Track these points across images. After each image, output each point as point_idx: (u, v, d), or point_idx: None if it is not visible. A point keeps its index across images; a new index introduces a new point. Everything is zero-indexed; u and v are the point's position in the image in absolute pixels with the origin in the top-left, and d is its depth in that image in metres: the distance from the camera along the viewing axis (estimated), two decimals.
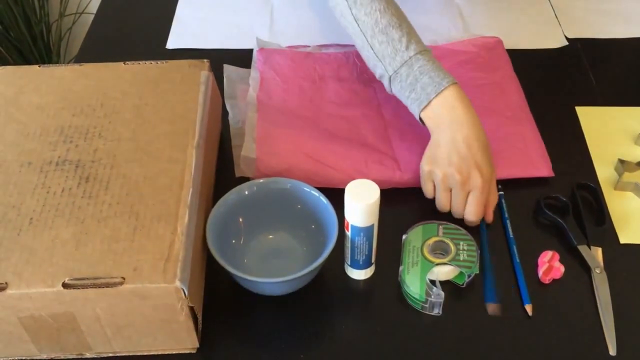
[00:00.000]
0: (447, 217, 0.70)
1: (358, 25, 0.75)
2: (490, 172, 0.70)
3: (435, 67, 0.72)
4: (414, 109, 0.73)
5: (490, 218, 0.71)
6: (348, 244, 0.64)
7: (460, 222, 0.70)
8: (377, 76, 0.77)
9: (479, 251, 0.66)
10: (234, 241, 0.67)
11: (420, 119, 0.73)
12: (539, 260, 0.67)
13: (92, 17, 1.03)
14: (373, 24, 0.74)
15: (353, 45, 0.92)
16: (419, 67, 0.72)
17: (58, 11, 1.69)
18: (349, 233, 0.63)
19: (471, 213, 0.69)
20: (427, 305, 0.64)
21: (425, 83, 0.71)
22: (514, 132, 0.79)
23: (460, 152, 0.68)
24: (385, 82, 0.75)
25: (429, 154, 0.71)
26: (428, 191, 0.72)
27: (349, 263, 0.66)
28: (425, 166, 0.71)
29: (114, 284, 0.54)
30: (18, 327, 0.57)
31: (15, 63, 1.65)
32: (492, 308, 0.64)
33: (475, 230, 0.70)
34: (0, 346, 0.59)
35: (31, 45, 1.64)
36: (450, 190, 0.70)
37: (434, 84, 0.71)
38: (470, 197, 0.69)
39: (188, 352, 0.61)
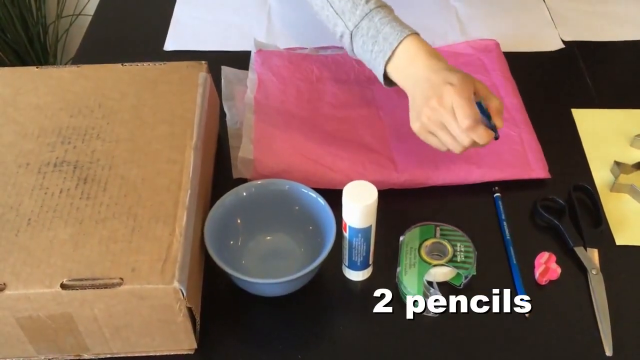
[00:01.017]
0: (445, 218, 0.71)
1: None
2: (461, 77, 0.65)
3: (396, 18, 0.71)
4: (379, 63, 0.70)
5: (499, 123, 0.67)
6: (346, 245, 0.64)
7: (458, 223, 0.70)
8: (337, 38, 0.75)
9: (476, 252, 0.67)
10: (232, 242, 0.68)
11: (389, 81, 0.71)
12: (536, 261, 0.68)
13: (89, 18, 1.03)
14: None
15: None
16: (380, 19, 0.70)
17: (55, 13, 1.68)
18: (346, 234, 0.63)
19: (460, 116, 0.64)
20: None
21: (387, 33, 0.69)
22: (511, 134, 0.80)
23: (429, 82, 0.66)
24: (347, 41, 0.73)
25: (412, 115, 0.69)
26: (438, 145, 0.68)
27: (346, 264, 0.66)
28: (415, 127, 0.69)
29: (112, 285, 0.54)
30: (16, 327, 0.57)
31: (12, 65, 1.65)
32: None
33: (475, 233, 0.70)
34: None
35: (28, 46, 1.64)
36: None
37: (395, 32, 0.69)
38: (454, 107, 0.65)
39: (186, 352, 0.62)
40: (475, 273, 0.66)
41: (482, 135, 0.65)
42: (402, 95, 0.85)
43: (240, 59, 0.91)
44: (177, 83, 0.73)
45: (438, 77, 0.66)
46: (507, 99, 0.85)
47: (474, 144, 0.67)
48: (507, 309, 0.64)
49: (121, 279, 0.55)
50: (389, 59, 0.70)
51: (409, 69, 0.69)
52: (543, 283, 0.67)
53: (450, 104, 0.65)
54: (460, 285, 0.65)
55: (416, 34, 0.70)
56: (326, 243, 0.63)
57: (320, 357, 0.62)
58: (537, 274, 0.67)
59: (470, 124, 0.64)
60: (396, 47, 0.69)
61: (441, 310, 0.64)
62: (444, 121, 0.66)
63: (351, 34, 0.72)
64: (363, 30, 0.71)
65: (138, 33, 0.99)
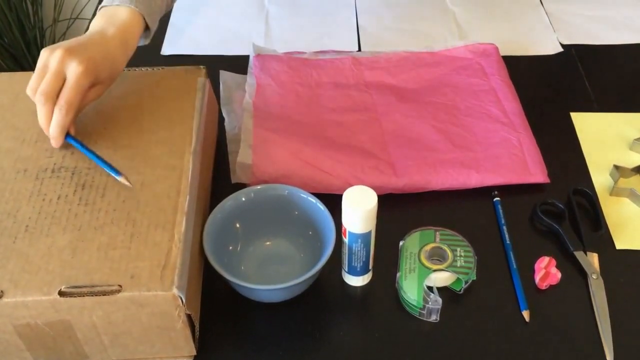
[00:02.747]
0: (445, 223, 0.70)
1: None
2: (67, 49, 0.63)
3: None
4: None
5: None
6: (345, 251, 0.64)
7: (458, 228, 0.70)
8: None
9: (476, 257, 0.66)
10: (231, 248, 0.67)
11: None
12: (536, 266, 0.68)
13: (86, 22, 1.04)
14: None
15: (349, 52, 0.93)
16: None
17: (52, 17, 1.68)
18: (346, 239, 0.63)
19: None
20: (424, 312, 0.64)
21: None
22: (510, 138, 0.80)
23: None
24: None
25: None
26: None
27: (346, 270, 0.66)
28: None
29: (111, 292, 0.54)
30: (14, 335, 0.56)
31: (9, 69, 1.64)
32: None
33: (475, 237, 0.70)
34: None
35: (25, 51, 1.64)
36: None
37: None
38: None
39: (185, 359, 0.61)
40: (475, 278, 0.66)
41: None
42: (401, 100, 0.85)
43: (238, 64, 0.90)
44: (176, 88, 0.73)
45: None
46: (506, 103, 0.85)
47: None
48: (507, 314, 0.64)
49: (120, 285, 0.54)
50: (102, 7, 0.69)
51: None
52: (543, 288, 0.66)
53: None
54: (460, 290, 0.65)
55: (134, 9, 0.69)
56: (326, 248, 0.62)
57: None
58: (537, 279, 0.67)
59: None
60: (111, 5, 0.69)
61: (440, 315, 0.64)
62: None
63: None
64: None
65: None
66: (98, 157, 0.63)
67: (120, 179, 0.61)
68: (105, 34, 0.68)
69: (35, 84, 0.63)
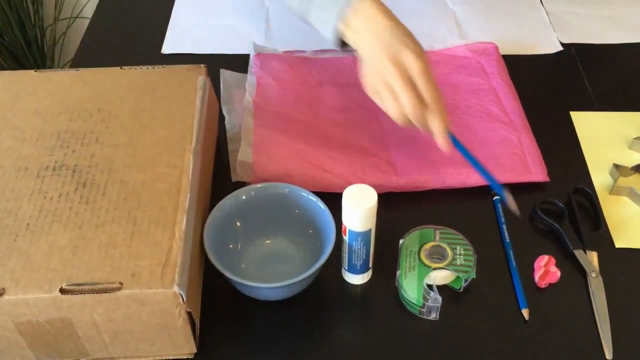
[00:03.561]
0: (444, 222, 0.70)
1: None
2: (423, 50, 0.64)
3: None
4: (331, 17, 0.68)
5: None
6: (345, 249, 0.64)
7: (457, 226, 0.70)
8: (306, 13, 0.73)
9: (475, 256, 0.67)
10: (231, 246, 0.67)
11: (338, 36, 0.70)
12: (535, 264, 0.68)
13: (86, 21, 1.03)
14: None
15: (350, 50, 0.93)
16: None
17: (52, 16, 1.68)
18: (346, 238, 0.63)
19: (427, 95, 0.62)
20: (424, 310, 0.64)
21: None
22: (510, 137, 0.80)
23: (384, 44, 0.64)
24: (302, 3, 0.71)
25: (366, 76, 0.67)
26: (389, 109, 0.66)
27: (346, 268, 0.66)
28: (366, 84, 0.67)
29: (112, 290, 0.54)
30: (15, 333, 0.57)
31: (10, 68, 1.64)
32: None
33: (475, 236, 0.70)
34: None
35: (25, 49, 1.64)
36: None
37: None
38: (417, 80, 0.63)
39: (186, 357, 0.61)
40: (475, 276, 0.66)
41: (436, 118, 0.63)
42: None
43: (239, 62, 0.90)
44: (176, 87, 0.73)
45: (392, 38, 0.64)
46: (506, 102, 0.85)
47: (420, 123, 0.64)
48: (506, 312, 0.64)
49: (120, 283, 0.55)
50: (344, 13, 0.68)
51: (362, 26, 0.67)
52: (543, 286, 0.67)
53: (408, 74, 0.63)
54: (460, 289, 0.65)
55: None
56: (326, 247, 0.63)
57: None
58: (536, 277, 0.67)
59: (435, 119, 0.64)
60: (354, 3, 0.67)
61: (440, 313, 0.64)
62: (396, 86, 0.64)
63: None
64: None
65: (136, 36, 0.99)
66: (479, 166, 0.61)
67: (508, 202, 0.58)
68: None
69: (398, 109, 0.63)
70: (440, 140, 0.63)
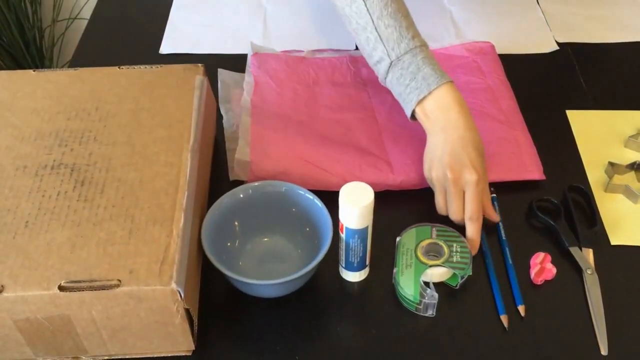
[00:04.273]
0: (441, 219, 0.71)
1: (365, 3, 0.73)
2: (484, 171, 0.70)
3: (436, 62, 0.73)
4: (411, 99, 0.72)
5: (493, 216, 0.71)
6: (342, 247, 0.65)
7: (454, 224, 0.70)
8: (372, 61, 0.76)
9: (472, 252, 0.67)
10: (229, 244, 0.68)
11: (413, 114, 0.73)
12: (531, 261, 0.68)
13: (85, 22, 1.04)
14: (382, 6, 0.72)
15: (347, 50, 0.94)
16: (422, 58, 0.72)
17: (51, 17, 1.69)
18: (343, 235, 0.63)
19: (468, 211, 0.68)
20: (421, 307, 0.64)
21: (427, 73, 0.71)
22: (506, 135, 0.80)
23: (453, 151, 0.69)
24: (383, 68, 0.74)
25: (426, 159, 0.72)
26: (437, 200, 0.72)
27: (343, 265, 0.67)
28: (426, 172, 0.72)
29: (110, 287, 0.55)
30: (14, 330, 0.57)
31: (8, 69, 1.65)
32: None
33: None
34: None
35: (24, 50, 1.64)
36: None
37: (436, 75, 0.71)
38: (466, 194, 0.68)
39: (184, 354, 0.62)
40: (471, 273, 0.66)
41: (472, 222, 0.68)
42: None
43: (236, 62, 0.91)
44: (174, 86, 0.73)
45: (464, 151, 0.69)
46: (503, 101, 0.85)
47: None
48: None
49: (119, 280, 0.55)
50: (424, 98, 0.71)
51: (438, 115, 0.71)
52: (538, 283, 0.67)
53: (462, 187, 0.69)
54: (456, 286, 0.66)
55: (452, 82, 0.72)
56: (323, 244, 0.63)
57: (318, 358, 0.62)
58: (532, 274, 0.67)
59: (472, 221, 0.68)
60: (434, 90, 0.71)
61: (437, 310, 0.64)
62: (448, 191, 0.69)
63: (391, 63, 0.73)
64: (404, 64, 0.72)
65: (134, 36, 0.99)
66: None
67: None
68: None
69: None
70: (472, 248, 0.69)
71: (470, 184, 0.68)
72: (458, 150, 0.69)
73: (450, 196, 0.69)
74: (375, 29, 0.73)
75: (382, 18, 0.73)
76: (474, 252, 0.68)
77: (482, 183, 0.69)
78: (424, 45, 0.73)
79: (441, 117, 0.71)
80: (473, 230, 0.68)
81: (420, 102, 0.71)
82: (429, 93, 0.70)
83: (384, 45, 0.73)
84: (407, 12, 0.75)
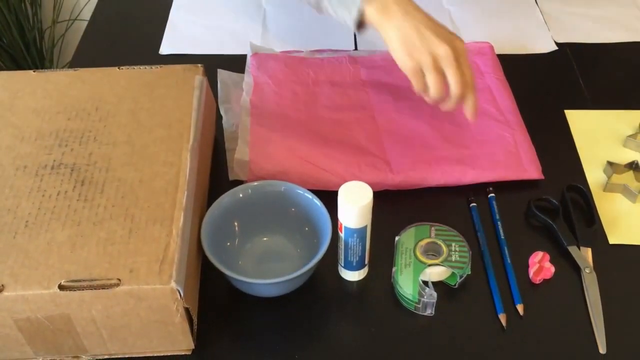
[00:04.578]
0: (440, 219, 0.71)
1: None
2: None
3: None
4: (353, 10, 0.73)
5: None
6: (341, 246, 0.65)
7: (453, 223, 0.70)
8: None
9: (470, 252, 0.67)
10: (228, 244, 0.68)
11: (361, 16, 0.73)
12: (530, 260, 0.68)
13: (85, 23, 1.04)
14: None
15: (346, 51, 0.94)
16: None
17: (51, 18, 1.69)
18: (342, 234, 0.64)
19: (469, 76, 0.71)
20: (420, 306, 0.64)
21: None
22: (505, 135, 0.81)
23: (430, 27, 0.70)
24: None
25: (398, 48, 0.71)
26: (421, 86, 0.72)
27: (342, 264, 0.67)
28: (407, 62, 0.71)
29: (110, 286, 0.55)
30: (14, 329, 0.57)
31: (8, 70, 1.65)
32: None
33: (470, 233, 0.71)
34: None
35: (24, 52, 1.65)
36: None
37: None
38: (462, 62, 0.70)
39: (183, 353, 0.62)
40: (470, 272, 0.67)
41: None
42: (397, 98, 0.86)
43: (236, 62, 0.91)
44: (174, 86, 0.74)
45: (438, 25, 0.71)
46: (501, 101, 0.85)
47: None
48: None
49: (119, 279, 0.55)
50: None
51: (392, 7, 0.71)
52: (537, 282, 0.67)
53: (457, 57, 0.70)
54: (455, 285, 0.66)
55: None
56: (322, 244, 0.63)
57: (317, 356, 0.62)
58: (531, 273, 0.67)
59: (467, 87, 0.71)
60: None
61: (436, 309, 0.64)
62: (445, 64, 0.70)
63: None
64: None
65: (134, 37, 1.00)
66: None
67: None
68: None
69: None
70: (473, 114, 0.72)
71: (463, 50, 0.70)
72: (434, 27, 0.70)
73: (449, 69, 0.70)
74: None
75: None
76: (476, 117, 0.73)
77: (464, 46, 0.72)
78: None
79: (396, 7, 0.71)
80: (475, 96, 0.72)
81: (367, 4, 0.72)
82: None
83: None
84: None
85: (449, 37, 0.70)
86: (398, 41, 0.71)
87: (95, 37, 1.00)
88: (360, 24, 0.75)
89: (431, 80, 0.71)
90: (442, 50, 0.69)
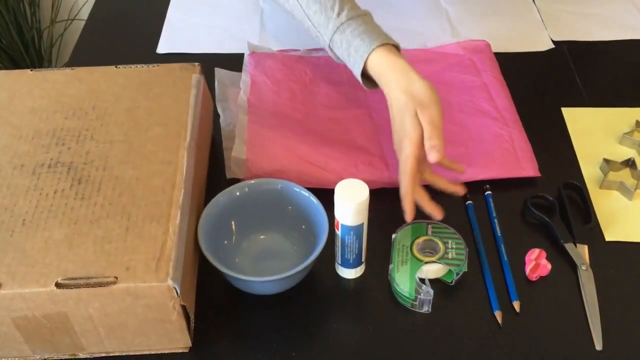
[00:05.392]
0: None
1: None
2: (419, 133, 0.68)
3: (369, 29, 0.72)
4: (356, 74, 0.73)
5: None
6: (338, 243, 0.65)
7: (449, 221, 0.71)
8: (322, 47, 0.77)
9: (467, 249, 0.67)
10: (225, 242, 0.68)
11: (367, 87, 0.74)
12: (526, 258, 0.69)
13: (82, 23, 1.04)
14: None
15: None
16: (351, 31, 0.72)
17: (49, 18, 1.69)
18: (339, 232, 0.64)
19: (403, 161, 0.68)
20: (416, 303, 0.65)
21: (357, 46, 0.71)
22: (502, 133, 0.81)
23: (400, 116, 0.69)
24: (329, 51, 0.76)
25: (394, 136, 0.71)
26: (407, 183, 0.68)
27: (339, 262, 0.67)
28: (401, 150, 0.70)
29: (107, 284, 0.55)
30: (11, 327, 0.57)
31: (7, 70, 1.65)
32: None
33: (466, 230, 0.71)
34: None
35: (23, 51, 1.65)
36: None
37: (363, 46, 0.71)
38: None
39: (181, 351, 0.62)
40: (466, 270, 0.67)
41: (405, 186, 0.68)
42: None
43: (233, 61, 0.91)
44: (171, 85, 0.74)
45: (403, 116, 0.69)
46: (498, 99, 0.86)
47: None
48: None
49: (116, 277, 0.55)
50: (364, 68, 0.72)
51: (382, 82, 0.72)
52: (533, 279, 0.67)
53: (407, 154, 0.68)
54: (451, 282, 0.66)
55: (386, 44, 0.71)
56: (319, 241, 0.63)
57: (314, 354, 0.62)
58: (527, 270, 0.68)
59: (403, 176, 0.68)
60: (367, 59, 0.71)
61: (432, 306, 0.65)
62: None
63: (330, 47, 0.75)
64: (337, 44, 0.73)
65: (131, 36, 1.00)
66: None
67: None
68: None
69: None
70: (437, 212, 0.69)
71: (409, 152, 0.68)
72: (400, 114, 0.69)
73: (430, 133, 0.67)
74: (308, 18, 0.74)
75: (309, 6, 0.73)
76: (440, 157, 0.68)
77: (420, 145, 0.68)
78: (352, 17, 0.73)
79: (383, 83, 0.71)
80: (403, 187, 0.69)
81: (361, 74, 0.72)
82: (365, 64, 0.71)
83: (319, 32, 0.74)
84: None
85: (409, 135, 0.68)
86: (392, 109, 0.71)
87: (93, 36, 1.00)
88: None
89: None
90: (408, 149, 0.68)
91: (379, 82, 0.72)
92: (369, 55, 0.70)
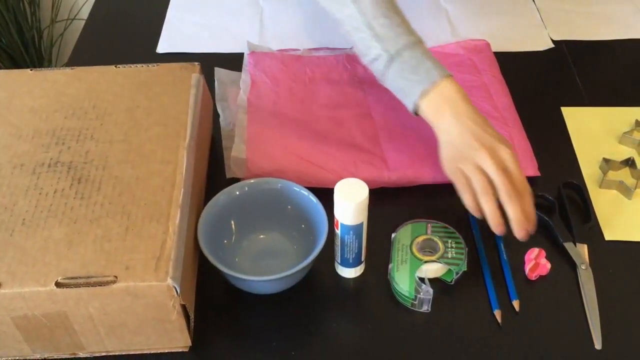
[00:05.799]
0: (436, 215, 0.71)
1: (357, 8, 0.72)
2: (509, 142, 0.68)
3: (434, 57, 0.72)
4: (414, 92, 0.71)
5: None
6: (338, 243, 0.65)
7: (449, 220, 0.71)
8: (367, 59, 0.74)
9: (466, 249, 0.67)
10: (225, 241, 0.68)
11: (416, 109, 0.72)
12: (526, 257, 0.69)
13: (83, 23, 1.04)
14: (375, 7, 0.72)
15: (343, 49, 0.94)
16: (422, 52, 0.71)
17: (50, 17, 1.69)
18: (338, 231, 0.64)
19: (520, 182, 0.65)
20: (416, 302, 0.65)
21: (429, 67, 0.70)
22: (502, 132, 0.80)
23: (475, 134, 0.67)
24: (381, 64, 0.73)
25: (447, 156, 0.70)
26: (472, 204, 0.67)
27: (339, 261, 0.67)
28: (449, 168, 0.69)
29: (107, 283, 0.55)
30: (11, 327, 0.57)
31: (7, 69, 1.65)
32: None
33: (466, 230, 0.71)
34: None
35: (23, 51, 1.65)
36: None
37: (438, 69, 0.70)
38: (511, 168, 0.66)
39: (180, 350, 0.62)
40: (466, 269, 0.67)
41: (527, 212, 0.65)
42: (393, 96, 0.86)
43: (233, 61, 0.91)
44: (171, 84, 0.74)
45: (484, 130, 0.68)
46: (498, 99, 0.86)
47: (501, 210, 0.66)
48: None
49: (115, 277, 0.55)
50: (427, 90, 0.70)
51: (445, 108, 0.70)
52: (533, 278, 0.67)
53: (502, 163, 0.66)
54: (451, 281, 0.66)
55: (452, 75, 0.71)
56: (318, 241, 0.63)
57: (314, 353, 0.62)
58: (527, 270, 0.68)
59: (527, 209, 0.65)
60: (438, 82, 0.70)
61: (432, 306, 0.65)
62: (491, 172, 0.66)
63: (391, 58, 0.72)
64: (404, 58, 0.71)
65: (131, 36, 1.00)
66: None
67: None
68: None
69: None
70: (521, 231, 0.65)
71: (509, 157, 0.66)
72: (480, 132, 0.67)
73: (495, 177, 0.65)
74: (370, 29, 0.72)
75: (376, 18, 0.72)
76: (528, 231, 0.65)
77: (515, 155, 0.67)
78: (420, 41, 0.73)
79: (448, 109, 0.69)
80: (531, 202, 0.66)
81: (423, 95, 0.70)
82: (433, 85, 0.70)
83: (381, 43, 0.72)
84: (398, 9, 0.74)
85: (495, 146, 0.67)
86: (446, 149, 0.70)
87: (93, 36, 1.00)
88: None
89: (482, 203, 0.66)
90: (487, 164, 0.66)
91: (443, 104, 0.70)
92: (442, 79, 0.70)
